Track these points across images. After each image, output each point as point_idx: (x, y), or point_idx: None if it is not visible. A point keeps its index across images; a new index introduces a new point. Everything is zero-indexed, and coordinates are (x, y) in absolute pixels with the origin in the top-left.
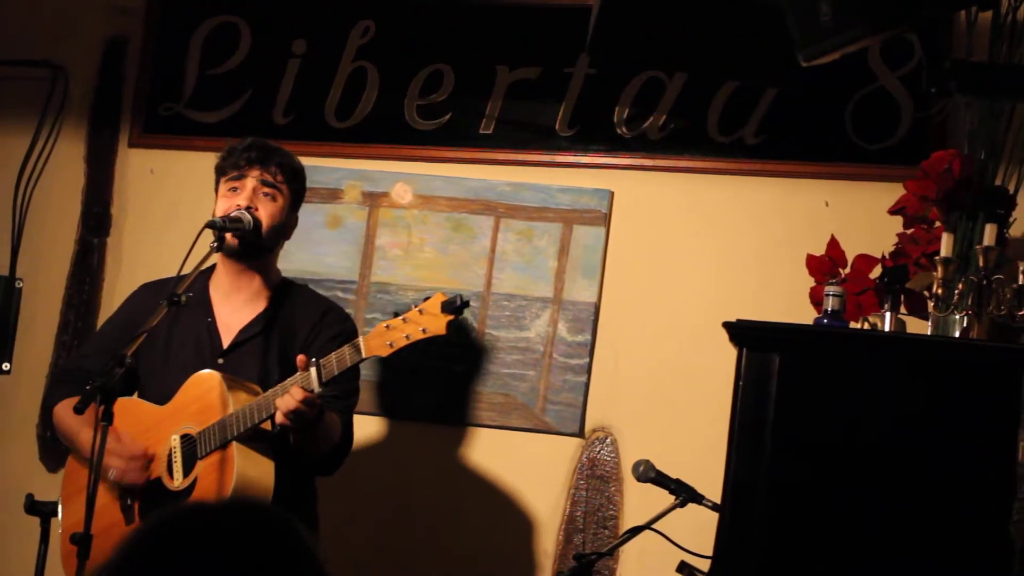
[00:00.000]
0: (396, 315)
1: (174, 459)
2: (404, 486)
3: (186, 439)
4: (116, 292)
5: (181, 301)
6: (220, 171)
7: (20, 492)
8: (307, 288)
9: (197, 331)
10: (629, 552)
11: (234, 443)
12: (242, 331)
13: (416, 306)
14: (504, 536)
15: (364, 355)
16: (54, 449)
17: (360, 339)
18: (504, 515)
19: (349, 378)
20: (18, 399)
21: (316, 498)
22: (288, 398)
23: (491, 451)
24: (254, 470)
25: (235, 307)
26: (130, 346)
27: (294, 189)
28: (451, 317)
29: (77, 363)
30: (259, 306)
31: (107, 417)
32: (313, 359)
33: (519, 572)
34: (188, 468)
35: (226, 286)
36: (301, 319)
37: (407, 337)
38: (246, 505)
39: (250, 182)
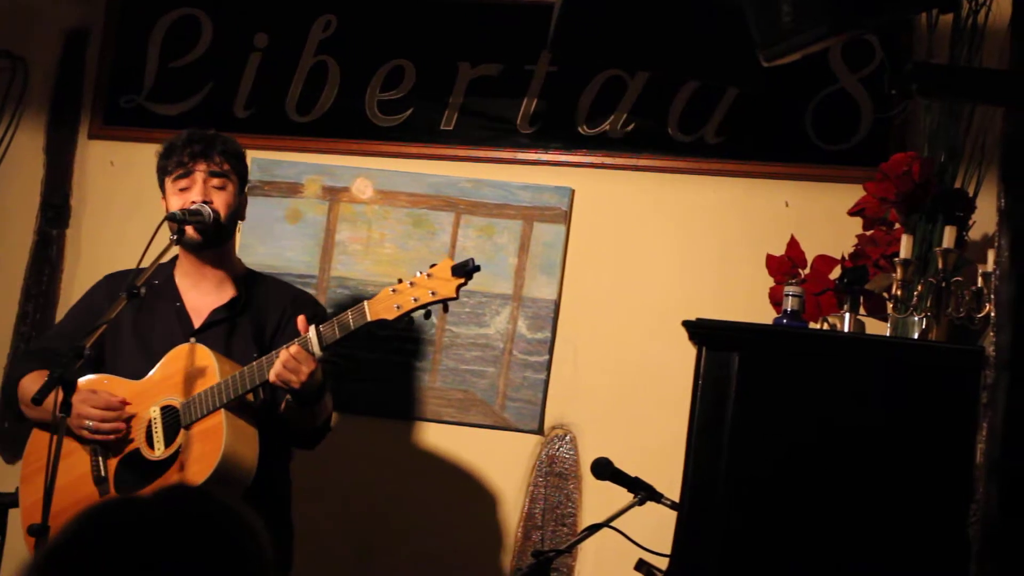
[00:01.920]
0: (400, 281)
1: (155, 429)
2: (361, 481)
3: (167, 410)
4: (75, 284)
5: (140, 293)
6: (164, 171)
7: None
8: (273, 277)
9: (166, 316)
10: (587, 550)
11: (221, 411)
12: (213, 312)
13: (423, 272)
14: (462, 532)
15: (369, 318)
16: (12, 440)
17: (364, 303)
18: (462, 511)
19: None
20: None
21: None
22: (284, 352)
23: (450, 447)
24: (241, 439)
25: (203, 292)
26: (89, 338)
27: (240, 171)
28: (461, 281)
29: (43, 344)
30: (229, 291)
31: (65, 408)
32: (312, 324)
33: (477, 568)
34: (170, 439)
35: (192, 275)
36: (272, 304)
37: (415, 300)
38: (182, 496)
39: (199, 176)
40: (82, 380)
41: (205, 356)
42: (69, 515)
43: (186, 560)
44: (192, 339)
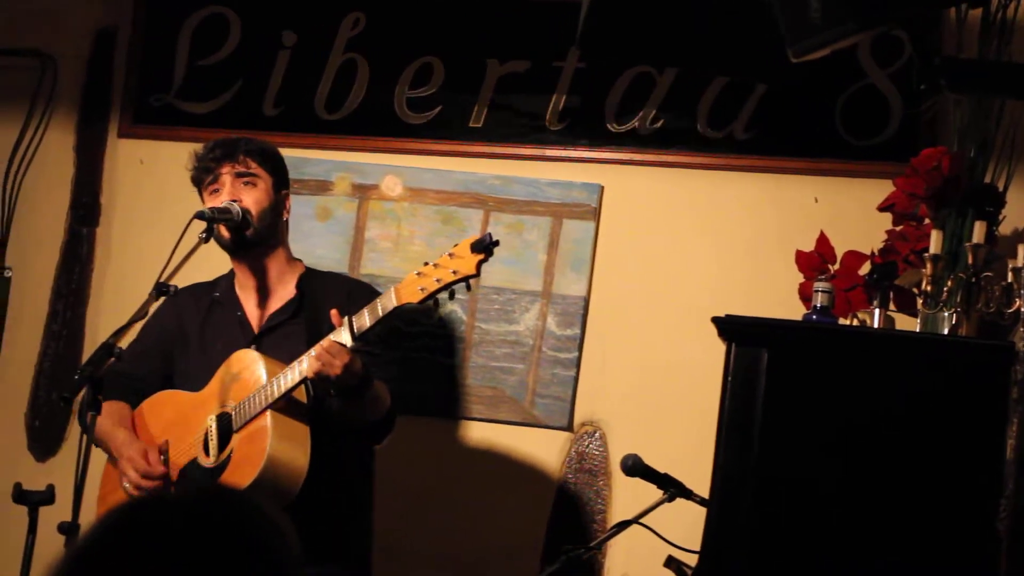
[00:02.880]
0: (426, 263)
1: (210, 437)
2: (392, 478)
3: (222, 417)
4: (105, 282)
5: (171, 291)
6: (197, 182)
7: (8, 481)
8: (333, 274)
9: (229, 327)
10: (617, 546)
11: (268, 412)
12: (271, 317)
13: (446, 252)
14: (492, 529)
15: (396, 303)
16: (43, 438)
17: (392, 288)
18: (492, 508)
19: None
20: (7, 388)
21: (372, 477)
22: (317, 346)
23: (479, 444)
24: (288, 438)
25: (260, 299)
26: (119, 336)
27: (271, 168)
28: (481, 257)
29: (116, 368)
30: (286, 295)
31: (95, 407)
32: (345, 315)
33: (506, 565)
34: (223, 445)
35: (247, 284)
36: (327, 302)
37: (438, 281)
38: (209, 496)
39: (226, 179)
40: (149, 400)
41: (253, 360)
42: None
43: (208, 561)
44: (252, 347)
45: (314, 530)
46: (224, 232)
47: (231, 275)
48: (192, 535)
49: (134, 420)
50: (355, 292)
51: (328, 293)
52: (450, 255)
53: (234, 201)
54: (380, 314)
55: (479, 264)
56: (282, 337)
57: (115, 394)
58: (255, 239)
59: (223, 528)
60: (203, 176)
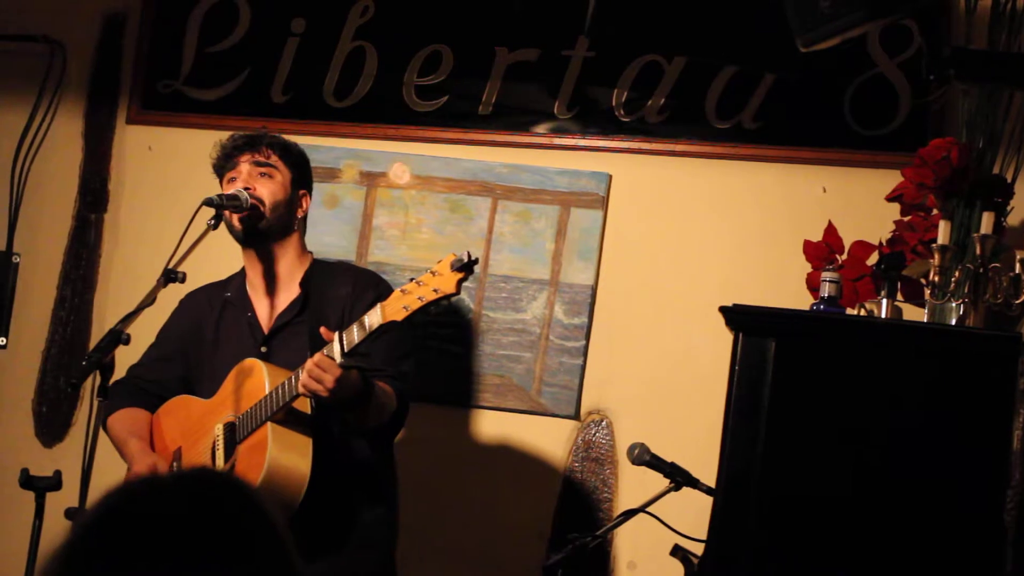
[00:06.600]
0: (412, 280)
1: (217, 447)
2: (399, 466)
3: (229, 426)
4: (113, 268)
5: (179, 278)
6: (218, 170)
7: (16, 467)
8: (340, 264)
9: (239, 327)
10: (623, 535)
11: (268, 424)
12: (279, 317)
13: (429, 270)
14: (498, 517)
15: (382, 320)
16: (50, 424)
17: (378, 305)
18: (499, 496)
19: (392, 346)
20: (14, 374)
21: (393, 463)
22: (308, 362)
23: (487, 432)
24: (287, 449)
25: (270, 297)
26: (128, 322)
27: (291, 163)
28: (461, 275)
29: (135, 373)
30: (292, 292)
31: (103, 392)
32: (336, 330)
33: (513, 554)
34: (229, 454)
35: (256, 281)
36: (332, 300)
37: (420, 299)
38: (198, 479)
39: (244, 167)
40: (165, 405)
41: (258, 370)
42: None
43: (204, 544)
44: (263, 348)
45: (332, 525)
46: (236, 223)
47: (242, 274)
48: (189, 519)
49: (152, 425)
50: (359, 283)
51: (331, 291)
52: (432, 273)
53: (245, 188)
54: (368, 330)
55: (459, 283)
56: (289, 336)
57: (133, 400)
58: (266, 230)
59: (212, 513)
60: (224, 163)
